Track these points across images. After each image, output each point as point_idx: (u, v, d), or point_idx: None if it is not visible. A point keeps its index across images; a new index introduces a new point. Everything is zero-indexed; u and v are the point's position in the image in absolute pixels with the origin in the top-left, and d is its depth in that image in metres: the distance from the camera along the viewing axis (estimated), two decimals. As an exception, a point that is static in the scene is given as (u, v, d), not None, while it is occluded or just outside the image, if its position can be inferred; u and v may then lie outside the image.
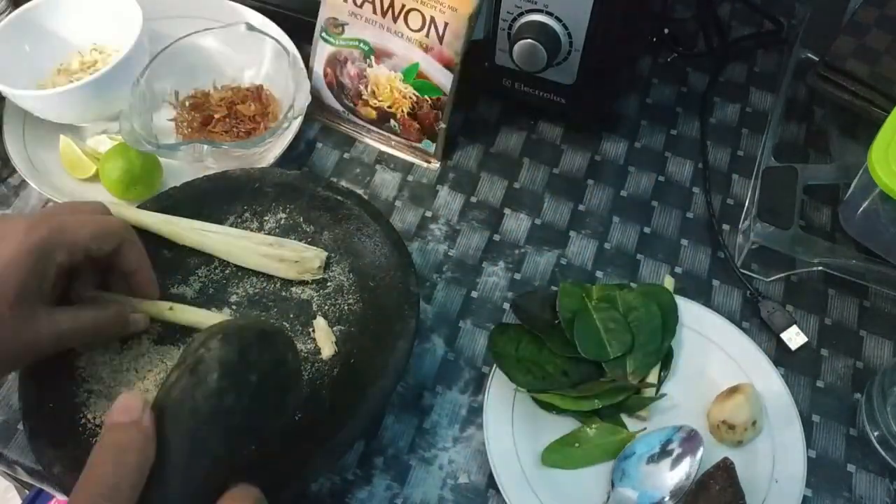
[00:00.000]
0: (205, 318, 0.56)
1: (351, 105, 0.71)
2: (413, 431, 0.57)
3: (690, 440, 0.53)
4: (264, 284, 0.60)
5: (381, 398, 0.51)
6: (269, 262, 0.59)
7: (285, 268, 0.59)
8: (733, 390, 0.55)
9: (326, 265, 0.60)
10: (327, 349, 0.56)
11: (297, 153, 0.72)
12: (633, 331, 0.57)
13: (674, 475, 0.52)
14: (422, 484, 0.55)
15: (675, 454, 0.52)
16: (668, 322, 0.59)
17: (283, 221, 0.62)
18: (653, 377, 0.57)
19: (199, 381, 0.38)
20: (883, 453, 0.55)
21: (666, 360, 0.58)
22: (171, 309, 0.55)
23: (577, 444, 0.55)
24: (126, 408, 0.36)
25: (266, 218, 0.62)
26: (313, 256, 0.59)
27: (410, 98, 0.68)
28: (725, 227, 0.68)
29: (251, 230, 0.62)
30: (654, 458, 0.53)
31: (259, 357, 0.41)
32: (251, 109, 0.70)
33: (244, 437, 0.39)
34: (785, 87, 0.70)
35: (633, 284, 0.61)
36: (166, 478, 0.35)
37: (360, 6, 0.66)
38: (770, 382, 0.56)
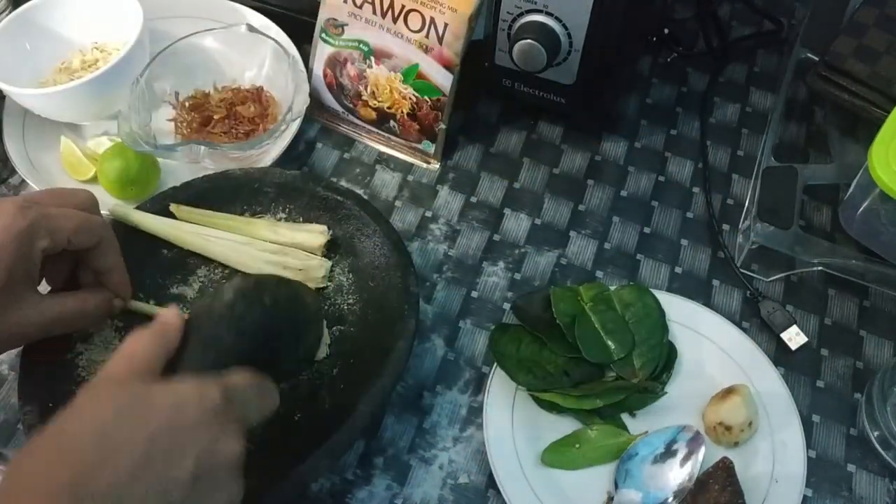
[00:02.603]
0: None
1: (350, 106, 0.71)
2: (413, 431, 0.57)
3: (695, 440, 0.53)
4: (264, 285, 0.60)
5: (381, 398, 0.51)
6: (272, 270, 0.59)
7: (290, 275, 0.58)
8: (729, 391, 0.55)
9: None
10: (319, 351, 0.56)
11: (296, 153, 0.72)
12: (633, 327, 0.57)
13: (677, 475, 0.52)
14: (422, 484, 0.55)
15: (679, 454, 0.52)
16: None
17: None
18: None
19: (217, 296, 0.45)
20: (883, 453, 0.55)
21: (669, 360, 0.58)
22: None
23: (577, 445, 0.55)
24: (163, 314, 0.44)
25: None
26: (318, 265, 0.59)
27: (410, 99, 0.68)
28: (725, 227, 0.68)
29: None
30: (658, 459, 0.53)
31: (275, 288, 0.46)
32: (251, 111, 0.70)
33: (255, 342, 0.44)
34: (785, 87, 0.70)
35: (611, 287, 0.61)
36: (181, 359, 0.43)
37: (360, 7, 0.66)
38: (770, 382, 0.56)
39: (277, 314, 0.46)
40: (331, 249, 0.60)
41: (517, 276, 0.65)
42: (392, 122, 0.70)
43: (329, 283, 0.60)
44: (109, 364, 0.40)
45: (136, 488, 0.34)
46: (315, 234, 0.59)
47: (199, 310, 0.46)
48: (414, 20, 0.65)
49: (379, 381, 0.50)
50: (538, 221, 0.68)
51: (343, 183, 0.68)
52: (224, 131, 0.69)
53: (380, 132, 0.72)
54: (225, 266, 0.60)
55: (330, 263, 0.60)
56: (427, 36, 0.65)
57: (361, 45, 0.68)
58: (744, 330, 0.60)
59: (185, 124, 0.71)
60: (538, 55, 0.62)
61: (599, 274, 0.65)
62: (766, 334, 0.61)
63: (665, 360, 0.57)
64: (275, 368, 0.45)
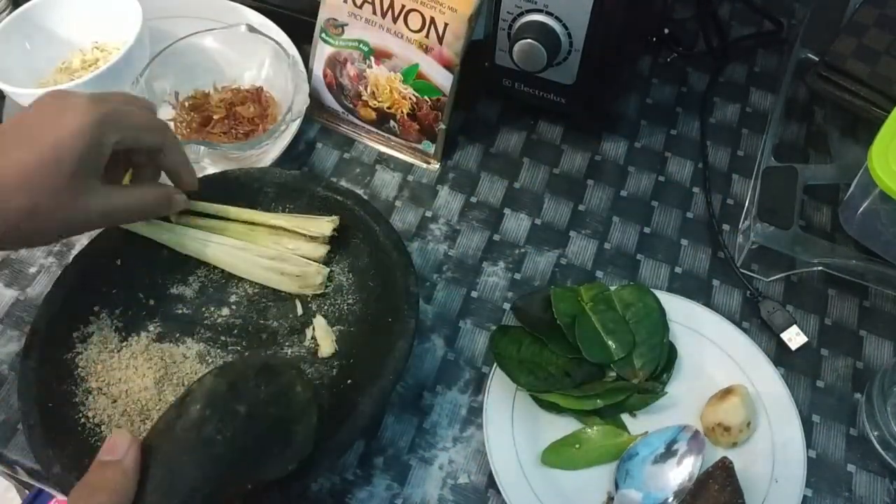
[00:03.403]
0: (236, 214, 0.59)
1: (350, 106, 0.71)
2: (413, 431, 0.57)
3: (696, 440, 0.53)
4: (263, 285, 0.60)
5: (381, 398, 0.51)
6: (270, 275, 0.59)
7: (287, 281, 0.59)
8: (727, 392, 0.55)
9: (326, 265, 0.60)
10: (327, 347, 0.56)
11: (296, 153, 0.72)
12: (633, 327, 0.57)
13: (677, 475, 0.52)
14: (422, 484, 0.55)
15: (679, 454, 0.52)
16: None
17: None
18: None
19: (183, 413, 0.38)
20: (883, 453, 0.55)
21: (669, 360, 0.58)
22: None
23: (577, 445, 0.55)
24: (112, 446, 0.38)
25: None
26: (315, 272, 0.59)
27: (410, 99, 0.68)
28: (725, 227, 0.67)
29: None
30: (658, 459, 0.53)
31: (254, 388, 0.40)
32: (250, 111, 0.70)
33: (231, 468, 0.38)
34: (785, 87, 0.70)
35: (612, 287, 0.61)
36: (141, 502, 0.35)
37: (360, 7, 0.66)
38: (770, 382, 0.56)
39: (255, 423, 0.39)
40: (331, 249, 0.60)
41: (517, 276, 0.65)
42: (392, 122, 0.70)
43: (329, 284, 0.60)
44: None
45: None
46: (316, 245, 0.59)
47: (162, 431, 0.38)
48: (414, 20, 0.65)
49: (379, 381, 0.50)
50: (538, 221, 0.68)
51: (343, 183, 0.68)
52: (224, 131, 0.69)
53: (380, 132, 0.72)
54: (225, 266, 0.60)
55: (328, 270, 0.59)
56: (427, 36, 0.65)
57: (361, 45, 0.68)
58: (744, 330, 0.60)
59: (184, 124, 0.70)
60: (538, 55, 0.62)
61: (599, 274, 0.65)
62: (766, 334, 0.61)
63: (665, 360, 0.57)
64: (258, 480, 0.39)
